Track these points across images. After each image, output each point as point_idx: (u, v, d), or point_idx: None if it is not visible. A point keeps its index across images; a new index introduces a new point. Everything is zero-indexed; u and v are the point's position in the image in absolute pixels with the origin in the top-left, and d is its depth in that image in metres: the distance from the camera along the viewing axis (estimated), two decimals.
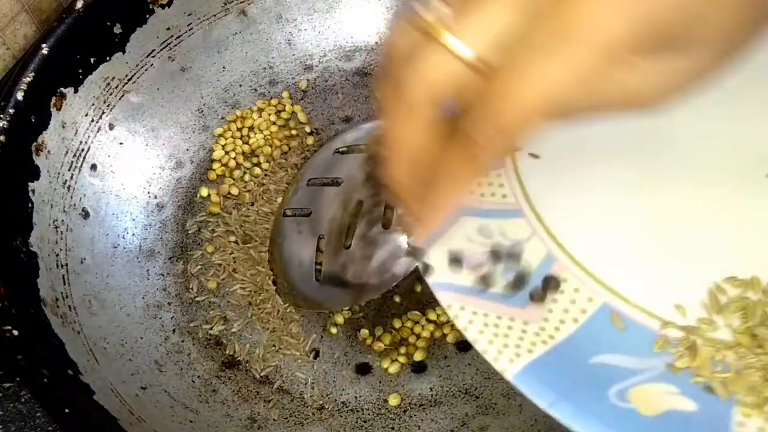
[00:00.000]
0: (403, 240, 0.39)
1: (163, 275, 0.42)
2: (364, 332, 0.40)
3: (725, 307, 0.26)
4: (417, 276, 0.42)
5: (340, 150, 0.43)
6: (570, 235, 0.28)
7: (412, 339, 0.40)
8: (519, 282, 0.27)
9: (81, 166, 0.41)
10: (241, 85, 0.48)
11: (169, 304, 0.41)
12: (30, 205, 0.37)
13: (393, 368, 0.39)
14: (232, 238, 0.43)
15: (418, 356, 0.39)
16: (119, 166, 0.43)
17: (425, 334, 0.40)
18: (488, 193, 0.29)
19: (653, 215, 0.29)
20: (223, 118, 0.47)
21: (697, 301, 0.27)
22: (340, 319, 0.41)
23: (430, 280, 0.26)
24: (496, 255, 0.27)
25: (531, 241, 0.28)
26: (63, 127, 0.40)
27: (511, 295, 0.26)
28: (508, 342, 0.25)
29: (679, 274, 0.27)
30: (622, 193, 0.30)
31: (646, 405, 0.24)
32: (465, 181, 0.22)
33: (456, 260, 0.27)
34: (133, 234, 0.43)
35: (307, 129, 0.47)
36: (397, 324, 0.40)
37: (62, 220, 0.39)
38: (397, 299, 0.41)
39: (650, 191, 0.30)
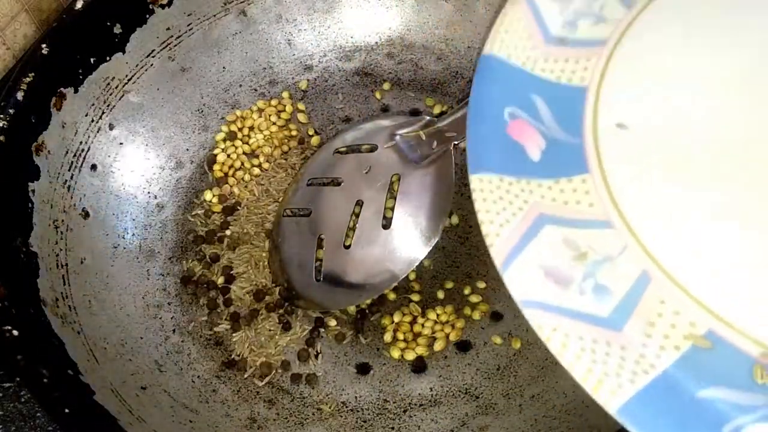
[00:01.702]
0: (401, 241, 0.39)
1: (163, 275, 0.42)
2: (386, 320, 0.40)
3: None
4: (416, 277, 0.42)
5: (340, 150, 0.43)
6: (667, 250, 0.25)
7: (412, 334, 0.40)
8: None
9: (81, 166, 0.41)
10: (241, 85, 0.48)
11: (169, 304, 0.41)
12: (30, 205, 0.37)
13: (409, 355, 0.39)
14: (233, 238, 0.43)
15: (420, 351, 0.39)
16: (119, 166, 0.43)
17: (426, 332, 0.40)
18: (572, 201, 0.27)
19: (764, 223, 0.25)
20: (223, 118, 0.47)
21: None
22: (335, 321, 0.41)
23: (518, 296, 0.25)
24: (586, 272, 0.25)
25: (623, 255, 0.25)
26: (63, 127, 0.40)
27: (604, 315, 0.24)
28: (607, 370, 0.23)
29: None
30: (730, 198, 0.26)
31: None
32: None
33: (547, 274, 0.25)
34: (133, 234, 0.43)
35: (308, 129, 0.47)
36: (396, 318, 0.40)
37: (62, 220, 0.39)
38: (392, 297, 0.41)
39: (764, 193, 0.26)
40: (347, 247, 0.39)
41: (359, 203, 0.40)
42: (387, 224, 0.39)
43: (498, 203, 0.26)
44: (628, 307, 0.24)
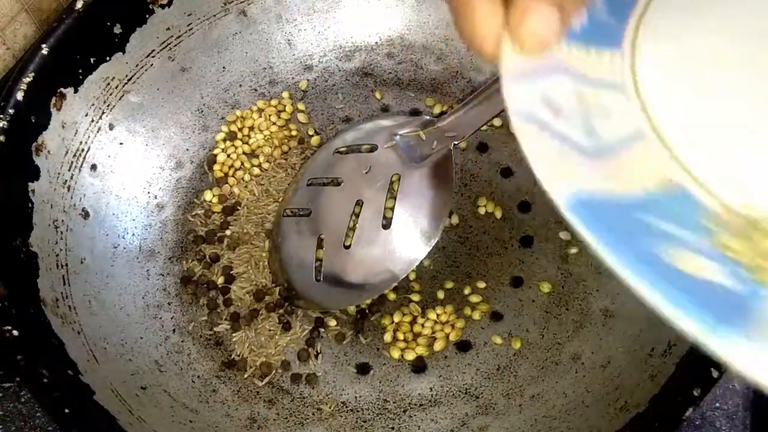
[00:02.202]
0: (401, 241, 0.38)
1: (163, 275, 0.42)
2: (386, 320, 0.40)
3: None
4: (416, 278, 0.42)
5: (340, 150, 0.43)
6: (668, 118, 0.25)
7: (412, 334, 0.40)
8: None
9: (81, 166, 0.41)
10: (241, 85, 0.48)
11: (169, 304, 0.41)
12: (30, 205, 0.37)
13: (409, 355, 0.39)
14: (233, 238, 0.43)
15: (420, 351, 0.39)
16: (119, 167, 0.43)
17: (426, 332, 0.40)
18: (594, 64, 0.26)
19: None
20: (223, 118, 0.47)
21: None
22: (335, 321, 0.41)
23: (512, 106, 0.23)
24: (584, 115, 0.25)
25: (624, 115, 0.25)
26: (63, 127, 0.40)
27: (586, 145, 0.24)
28: (569, 169, 0.23)
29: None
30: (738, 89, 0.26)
31: (686, 264, 0.22)
32: None
33: (546, 103, 0.24)
34: (133, 234, 0.43)
35: (308, 129, 0.47)
36: (396, 318, 0.40)
37: (62, 220, 0.39)
38: (392, 297, 0.41)
39: None
40: (347, 247, 0.39)
41: (359, 203, 0.40)
42: (387, 224, 0.39)
43: None
44: (611, 149, 0.24)
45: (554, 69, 0.25)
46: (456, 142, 0.39)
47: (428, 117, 0.42)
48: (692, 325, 0.20)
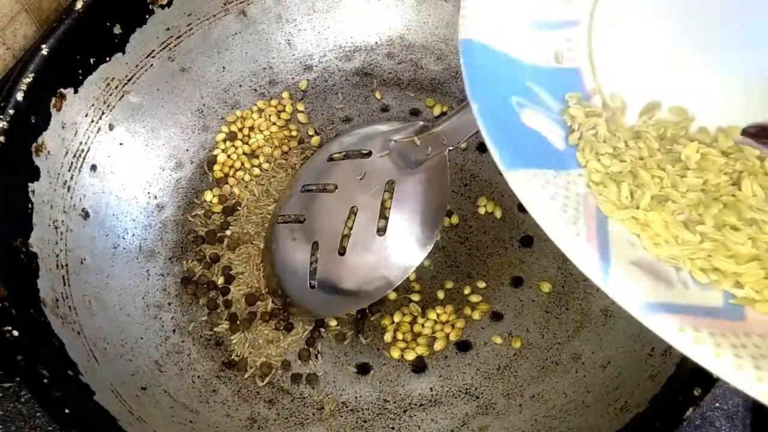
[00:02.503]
0: (396, 247, 0.38)
1: (163, 275, 0.42)
2: (386, 320, 0.40)
3: (648, 118, 0.26)
4: (415, 279, 0.42)
5: (335, 156, 0.43)
6: (604, 15, 0.28)
7: (412, 334, 0.40)
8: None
9: (81, 166, 0.41)
10: (241, 86, 0.48)
11: (169, 304, 0.41)
12: (30, 205, 0.37)
13: (409, 355, 0.39)
14: (233, 239, 0.43)
15: (420, 350, 0.39)
16: (119, 167, 0.43)
17: (426, 332, 0.40)
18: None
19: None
20: (223, 118, 0.47)
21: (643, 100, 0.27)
22: (335, 321, 0.41)
23: (637, 305, 0.21)
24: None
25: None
26: (63, 127, 0.40)
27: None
28: (500, 23, 0.26)
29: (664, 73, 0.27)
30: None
31: (527, 117, 0.25)
32: None
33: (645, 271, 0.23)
34: (133, 234, 0.43)
35: (308, 129, 0.47)
36: (396, 318, 0.40)
37: (62, 221, 0.39)
38: (392, 297, 0.41)
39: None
40: (342, 254, 0.39)
41: (354, 209, 0.40)
42: (382, 231, 0.39)
43: (555, 200, 0.23)
44: (550, 25, 0.28)
45: (600, 218, 0.24)
46: (451, 148, 0.39)
47: (423, 122, 0.41)
48: (495, 155, 0.24)
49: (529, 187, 0.23)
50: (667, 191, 0.24)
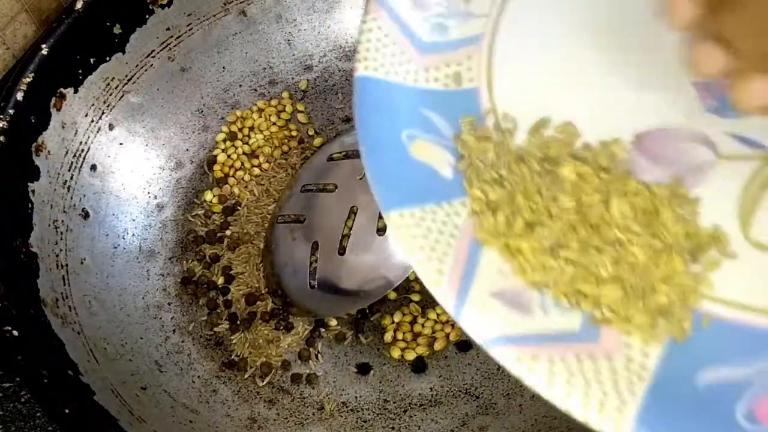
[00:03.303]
0: (396, 247, 0.38)
1: (163, 275, 0.42)
2: (387, 320, 0.40)
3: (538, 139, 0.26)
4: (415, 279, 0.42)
5: (334, 156, 0.43)
6: (506, 30, 0.28)
7: (412, 333, 0.40)
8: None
9: (81, 166, 0.41)
10: (241, 85, 0.48)
11: (169, 304, 0.41)
12: (30, 205, 0.37)
13: (409, 355, 0.39)
14: (233, 239, 0.43)
15: (420, 350, 0.39)
16: (119, 167, 0.43)
17: (426, 332, 0.40)
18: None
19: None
20: (223, 118, 0.47)
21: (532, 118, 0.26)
22: (335, 321, 0.41)
23: (482, 339, 0.22)
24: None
25: (478, 19, 0.28)
26: (63, 127, 0.40)
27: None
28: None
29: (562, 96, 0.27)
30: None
31: (418, 150, 0.24)
32: None
33: (504, 302, 0.23)
34: (133, 234, 0.43)
35: (308, 129, 0.47)
36: (396, 318, 0.40)
37: (62, 221, 0.39)
38: (392, 297, 0.41)
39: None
40: (342, 254, 0.39)
41: (354, 209, 0.40)
42: (382, 230, 0.39)
43: (428, 237, 0.23)
44: (446, 47, 0.27)
45: (473, 248, 0.24)
46: None
47: None
48: (376, 198, 0.24)
49: (402, 228, 0.24)
50: (538, 216, 0.24)
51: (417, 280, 0.42)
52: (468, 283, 0.23)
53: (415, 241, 0.23)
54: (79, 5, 0.39)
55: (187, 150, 0.46)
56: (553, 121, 0.26)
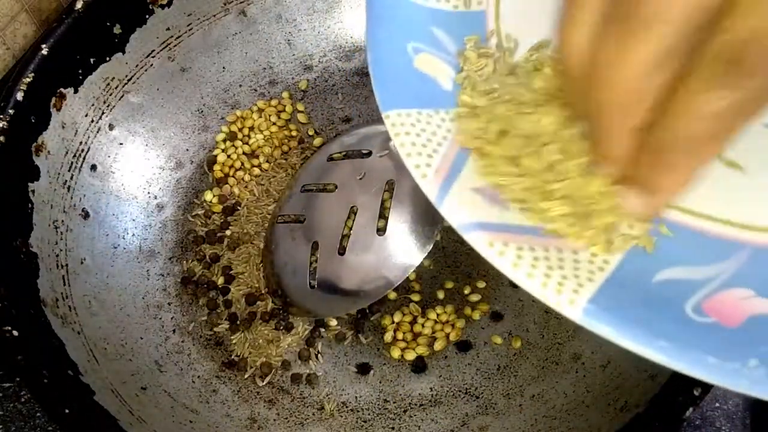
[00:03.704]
0: (396, 247, 0.38)
1: (163, 275, 0.42)
2: (386, 320, 0.40)
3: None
4: (414, 279, 0.42)
5: (334, 156, 0.43)
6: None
7: (412, 334, 0.40)
8: None
9: (81, 166, 0.41)
10: (241, 85, 0.48)
11: (169, 304, 0.41)
12: (30, 205, 0.37)
13: (409, 355, 0.39)
14: (233, 239, 0.43)
15: (420, 350, 0.39)
16: (119, 167, 0.43)
17: (426, 332, 0.40)
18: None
19: None
20: (223, 118, 0.47)
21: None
22: (335, 321, 0.41)
23: (459, 221, 0.24)
24: None
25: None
26: (63, 127, 0.40)
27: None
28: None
29: None
30: None
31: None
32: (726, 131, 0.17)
33: (483, 196, 0.25)
34: (133, 234, 0.43)
35: (308, 129, 0.47)
36: (397, 318, 0.40)
37: (62, 221, 0.39)
38: (392, 297, 0.41)
39: None
40: (342, 254, 0.39)
41: (354, 209, 0.40)
42: (381, 230, 0.39)
43: (421, 136, 0.25)
44: None
45: (462, 150, 0.26)
46: None
47: None
48: (376, 97, 0.25)
49: (399, 126, 0.26)
50: (510, 126, 0.25)
51: (417, 280, 0.42)
52: (452, 179, 0.25)
53: (409, 138, 0.25)
54: (79, 5, 0.39)
55: (187, 150, 0.46)
56: (553, 43, 0.27)
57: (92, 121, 0.42)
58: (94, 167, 0.42)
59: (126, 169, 0.43)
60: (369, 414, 0.38)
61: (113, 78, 0.42)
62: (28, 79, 0.37)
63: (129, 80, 0.43)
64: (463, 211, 0.24)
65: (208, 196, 0.44)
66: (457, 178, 0.25)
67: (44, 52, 0.38)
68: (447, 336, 0.40)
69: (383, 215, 0.39)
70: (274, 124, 0.47)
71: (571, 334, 0.39)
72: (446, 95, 0.27)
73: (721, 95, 0.17)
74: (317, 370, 0.40)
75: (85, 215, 0.41)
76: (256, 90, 0.48)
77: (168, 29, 0.44)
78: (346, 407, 0.39)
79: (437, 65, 0.27)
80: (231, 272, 0.42)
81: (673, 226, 0.25)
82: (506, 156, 0.25)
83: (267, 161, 0.46)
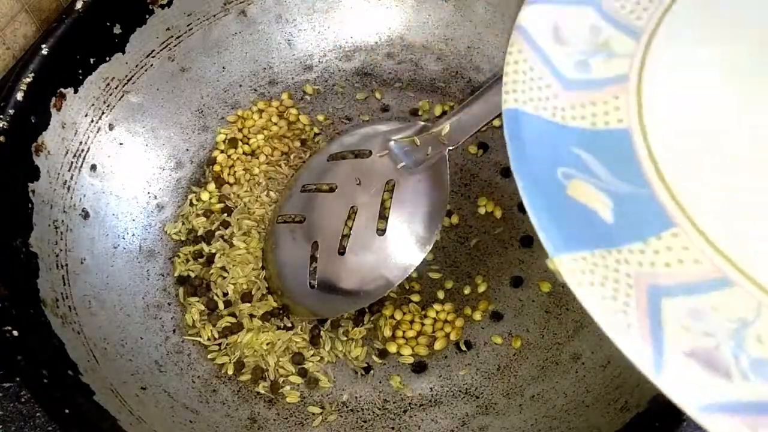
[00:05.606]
0: (396, 247, 0.38)
1: (163, 275, 0.42)
2: (382, 321, 0.40)
3: None
4: (414, 279, 0.42)
5: (334, 156, 0.43)
6: (658, 70, 0.26)
7: (412, 333, 0.40)
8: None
9: (81, 166, 0.41)
10: (241, 86, 0.48)
11: (169, 304, 0.41)
12: (30, 205, 0.37)
13: (406, 351, 0.39)
14: (232, 239, 0.43)
15: (419, 350, 0.39)
16: (119, 167, 0.43)
17: (426, 331, 0.40)
18: (674, 261, 0.24)
19: None
20: (223, 118, 0.47)
21: None
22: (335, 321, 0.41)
23: (692, 406, 0.21)
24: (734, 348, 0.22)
25: (622, 57, 0.27)
26: (63, 127, 0.40)
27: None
28: (537, 93, 0.25)
29: None
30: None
31: (575, 190, 0.24)
32: None
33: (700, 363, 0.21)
34: (133, 234, 0.43)
35: (307, 129, 0.47)
36: (397, 317, 0.40)
37: (62, 221, 0.39)
38: (393, 296, 0.41)
39: None
40: (341, 254, 0.39)
41: (354, 209, 0.40)
42: (381, 230, 0.39)
43: (606, 286, 0.22)
44: (590, 84, 0.26)
45: (653, 300, 0.23)
46: (451, 148, 0.39)
47: (423, 122, 0.41)
48: (542, 239, 0.23)
49: (577, 274, 0.23)
50: None
51: (417, 280, 0.42)
52: (659, 341, 0.22)
53: (594, 290, 0.22)
54: (79, 5, 0.39)
55: (187, 150, 0.46)
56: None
57: (92, 121, 0.42)
58: (94, 167, 0.42)
59: (126, 169, 0.43)
60: (369, 414, 0.38)
61: (113, 78, 0.42)
62: (28, 79, 0.37)
63: (129, 80, 0.43)
64: (690, 387, 0.21)
65: (208, 196, 0.44)
66: (664, 340, 0.22)
67: (44, 52, 0.38)
68: (447, 336, 0.40)
69: (383, 215, 0.39)
70: (274, 124, 0.47)
71: (571, 334, 0.39)
72: (610, 229, 0.24)
73: None
74: (317, 370, 0.40)
75: (85, 215, 0.41)
76: (256, 90, 0.48)
77: (168, 29, 0.44)
78: (346, 407, 0.39)
79: (591, 193, 0.25)
80: (230, 272, 0.42)
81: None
82: None
83: (267, 161, 0.46)
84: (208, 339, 0.40)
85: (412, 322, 0.40)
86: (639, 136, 0.26)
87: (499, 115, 0.39)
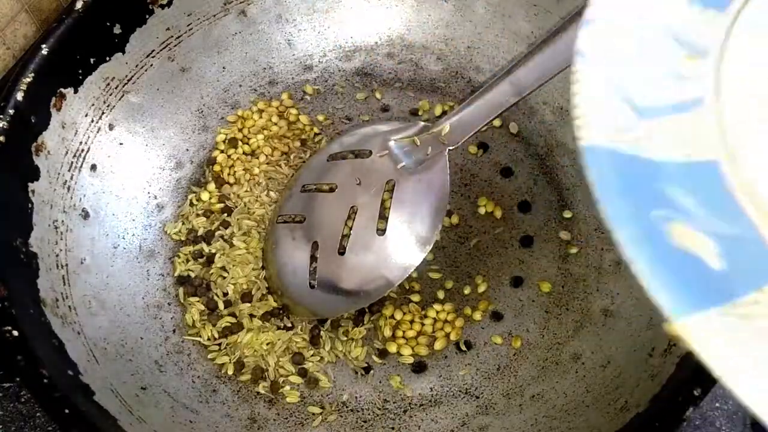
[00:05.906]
0: (396, 247, 0.38)
1: (163, 275, 0.42)
2: (382, 321, 0.40)
3: None
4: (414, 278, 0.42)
5: (334, 156, 0.43)
6: (735, 93, 0.24)
7: (412, 333, 0.40)
8: None
9: (81, 166, 0.41)
10: (241, 86, 0.48)
11: (169, 304, 0.41)
12: (30, 205, 0.37)
13: (406, 351, 0.39)
14: (232, 239, 0.43)
15: (419, 350, 0.39)
16: (119, 167, 0.43)
17: (426, 331, 0.40)
18: (695, 19, 0.24)
19: None
20: (223, 118, 0.47)
21: None
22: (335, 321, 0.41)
23: None
24: None
25: (693, 79, 0.24)
26: (63, 127, 0.40)
27: None
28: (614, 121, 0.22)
29: None
30: None
31: (677, 236, 0.21)
32: None
33: None
34: (133, 234, 0.43)
35: (307, 129, 0.47)
36: (397, 317, 0.40)
37: (62, 221, 0.39)
38: (393, 296, 0.41)
39: None
40: (341, 254, 0.39)
41: (354, 209, 0.40)
42: (381, 230, 0.39)
43: (738, 348, 0.20)
44: (661, 111, 0.23)
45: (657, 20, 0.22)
46: (451, 148, 0.39)
47: (423, 123, 0.41)
48: (662, 303, 0.20)
49: (712, 339, 0.20)
50: None
51: (417, 280, 0.42)
52: None
53: (734, 361, 0.20)
54: (79, 5, 0.39)
55: (187, 150, 0.46)
56: None
57: (92, 121, 0.42)
58: (94, 167, 0.42)
59: (126, 169, 0.43)
60: (369, 414, 0.38)
61: (113, 78, 0.42)
62: (28, 79, 0.37)
63: (129, 80, 0.43)
64: None
65: (208, 196, 0.44)
66: None
67: (44, 52, 0.38)
68: (447, 336, 0.40)
69: (383, 215, 0.39)
70: (274, 124, 0.47)
71: (571, 334, 0.39)
72: (722, 280, 0.21)
73: None
74: (317, 370, 0.40)
75: (85, 215, 0.41)
76: (256, 90, 0.48)
77: (168, 29, 0.44)
78: (346, 407, 0.39)
79: (694, 238, 0.22)
80: (229, 272, 0.42)
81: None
82: None
83: (267, 161, 0.46)
84: (208, 339, 0.40)
85: (412, 322, 0.40)
86: (729, 166, 0.23)
87: (499, 115, 0.39)
